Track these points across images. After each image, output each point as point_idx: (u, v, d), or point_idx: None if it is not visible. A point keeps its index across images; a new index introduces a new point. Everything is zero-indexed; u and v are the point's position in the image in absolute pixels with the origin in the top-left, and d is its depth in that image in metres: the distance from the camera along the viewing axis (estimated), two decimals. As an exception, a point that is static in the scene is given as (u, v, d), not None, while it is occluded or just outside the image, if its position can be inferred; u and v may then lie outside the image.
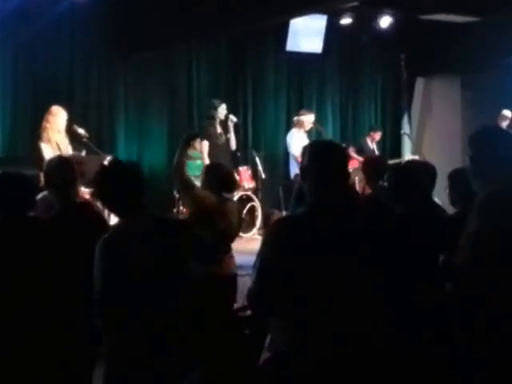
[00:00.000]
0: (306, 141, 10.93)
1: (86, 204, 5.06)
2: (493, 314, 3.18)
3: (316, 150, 3.38)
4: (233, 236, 5.61)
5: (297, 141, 10.98)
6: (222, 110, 10.68)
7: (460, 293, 3.33)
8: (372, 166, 6.47)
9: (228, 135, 10.73)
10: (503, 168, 3.32)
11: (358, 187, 10.29)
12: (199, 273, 4.08)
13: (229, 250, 5.48)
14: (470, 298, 3.24)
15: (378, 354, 3.17)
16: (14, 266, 3.84)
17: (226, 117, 10.76)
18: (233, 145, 10.81)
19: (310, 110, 11.88)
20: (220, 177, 5.56)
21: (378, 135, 13.09)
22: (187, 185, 5.54)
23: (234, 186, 5.67)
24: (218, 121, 10.67)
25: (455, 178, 4.69)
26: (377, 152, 12.78)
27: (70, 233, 4.15)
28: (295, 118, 11.51)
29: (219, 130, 10.67)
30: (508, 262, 3.16)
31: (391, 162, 12.24)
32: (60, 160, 5.06)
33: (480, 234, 3.20)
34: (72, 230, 4.20)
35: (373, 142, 12.98)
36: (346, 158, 3.47)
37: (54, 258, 3.95)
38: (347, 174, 3.39)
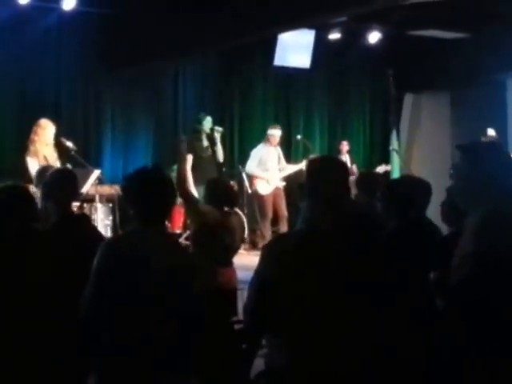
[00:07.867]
0: (272, 156, 11.06)
1: (83, 217, 5.04)
2: (491, 333, 3.05)
3: (314, 166, 3.35)
4: (236, 250, 5.62)
5: (254, 155, 11.13)
6: (207, 123, 10.60)
7: (456, 312, 3.22)
8: (367, 182, 6.40)
9: (214, 148, 10.61)
10: (496, 186, 3.18)
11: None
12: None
13: (231, 263, 5.48)
14: (467, 317, 3.12)
15: (371, 371, 3.10)
16: (13, 276, 3.75)
17: (212, 129, 10.66)
18: (220, 157, 10.69)
19: (277, 125, 11.64)
20: (222, 191, 5.59)
21: (344, 145, 12.96)
22: (191, 200, 5.55)
23: (235, 200, 5.72)
24: (203, 134, 10.57)
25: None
26: (349, 163, 12.50)
27: (67, 245, 4.07)
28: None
29: (205, 143, 10.57)
30: (506, 283, 3.05)
31: (379, 169, 12.27)
32: (63, 172, 5.06)
33: (478, 255, 3.07)
34: (69, 243, 4.13)
35: (344, 154, 12.78)
36: (346, 173, 3.40)
37: (51, 270, 3.86)
38: (345, 190, 3.31)
